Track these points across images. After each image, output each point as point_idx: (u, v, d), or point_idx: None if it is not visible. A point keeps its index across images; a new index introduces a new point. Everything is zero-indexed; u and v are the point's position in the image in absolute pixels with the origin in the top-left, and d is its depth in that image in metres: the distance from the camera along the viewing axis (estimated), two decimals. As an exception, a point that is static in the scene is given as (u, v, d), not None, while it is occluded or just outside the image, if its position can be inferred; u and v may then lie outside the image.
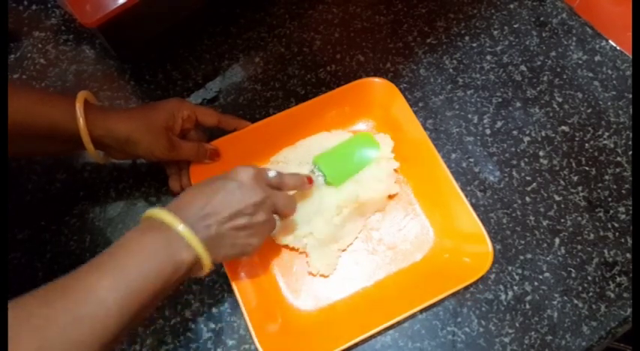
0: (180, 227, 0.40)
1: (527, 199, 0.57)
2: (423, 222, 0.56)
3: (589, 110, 0.61)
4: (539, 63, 0.64)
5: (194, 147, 0.53)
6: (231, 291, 0.52)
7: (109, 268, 0.37)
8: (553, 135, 0.60)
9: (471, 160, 0.59)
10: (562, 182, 0.57)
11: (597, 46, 0.65)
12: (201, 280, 0.53)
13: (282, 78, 0.64)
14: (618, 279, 0.53)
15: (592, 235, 0.55)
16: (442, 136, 0.60)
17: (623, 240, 0.54)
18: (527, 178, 0.58)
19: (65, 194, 0.58)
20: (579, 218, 0.56)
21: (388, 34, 0.66)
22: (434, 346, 0.50)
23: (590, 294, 0.52)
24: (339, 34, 0.67)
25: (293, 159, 0.57)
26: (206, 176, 0.47)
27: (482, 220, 0.51)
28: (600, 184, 0.57)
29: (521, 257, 0.54)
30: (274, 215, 0.48)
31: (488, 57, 0.65)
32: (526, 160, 0.59)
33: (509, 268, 0.53)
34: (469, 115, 0.61)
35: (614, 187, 0.57)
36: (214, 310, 0.52)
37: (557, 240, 0.55)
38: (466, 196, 0.53)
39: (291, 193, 0.51)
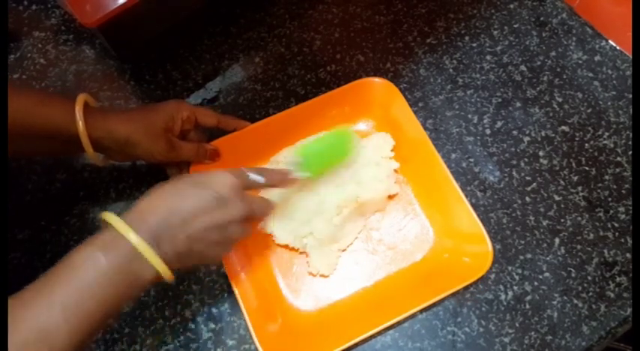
0: (142, 246, 0.36)
1: (527, 199, 0.57)
2: (423, 222, 0.56)
3: (589, 110, 0.61)
4: (539, 63, 0.64)
5: (194, 148, 0.53)
6: (231, 291, 0.52)
7: (57, 297, 0.34)
8: (553, 135, 0.60)
9: (471, 160, 0.59)
10: (562, 182, 0.57)
11: (597, 46, 0.65)
12: (201, 280, 0.54)
13: (282, 78, 0.64)
14: (618, 279, 0.53)
15: (592, 235, 0.55)
16: (442, 136, 0.60)
17: (623, 240, 0.54)
18: (527, 178, 0.58)
19: (65, 194, 0.58)
20: (579, 218, 0.56)
21: (388, 34, 0.66)
22: (434, 346, 0.50)
23: (590, 294, 0.52)
24: (339, 34, 0.67)
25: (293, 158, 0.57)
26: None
27: (482, 220, 0.51)
28: (600, 184, 0.57)
29: (521, 257, 0.54)
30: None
31: (488, 57, 0.65)
32: (526, 160, 0.59)
33: (509, 268, 0.53)
34: (469, 115, 0.61)
35: (614, 187, 0.57)
36: (214, 310, 0.52)
37: (557, 240, 0.55)
38: (466, 196, 0.53)
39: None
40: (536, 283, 0.53)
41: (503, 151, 0.59)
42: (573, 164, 0.58)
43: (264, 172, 0.46)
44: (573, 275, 0.53)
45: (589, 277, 0.53)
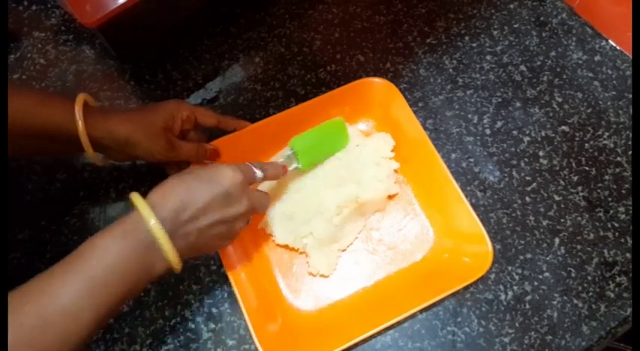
0: (161, 235, 0.38)
1: (527, 199, 0.57)
2: (422, 222, 0.56)
3: (589, 110, 0.61)
4: (539, 63, 0.64)
5: (194, 147, 0.53)
6: (231, 291, 0.52)
7: (77, 277, 0.36)
8: (553, 135, 0.60)
9: (471, 160, 0.59)
10: (562, 182, 0.57)
11: (597, 46, 0.65)
12: (201, 280, 0.54)
13: (282, 78, 0.64)
14: (618, 279, 0.53)
15: (592, 235, 0.55)
16: (442, 136, 0.60)
17: (623, 240, 0.54)
18: (527, 178, 0.58)
19: (65, 194, 0.58)
20: (579, 218, 0.56)
21: (388, 34, 0.66)
22: (434, 346, 0.50)
23: (590, 294, 0.52)
24: (339, 34, 0.67)
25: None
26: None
27: (482, 220, 0.51)
28: (600, 184, 0.57)
29: (521, 257, 0.54)
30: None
31: (488, 57, 0.65)
32: (526, 160, 0.59)
33: (509, 268, 0.53)
34: (469, 115, 0.61)
35: (614, 187, 0.57)
36: (214, 310, 0.52)
37: (557, 240, 0.55)
38: (466, 196, 0.53)
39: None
40: (536, 283, 0.53)
41: (503, 151, 0.59)
42: (573, 164, 0.58)
43: (263, 167, 0.48)
44: (573, 275, 0.53)
45: (589, 277, 0.53)
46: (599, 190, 0.57)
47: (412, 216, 0.56)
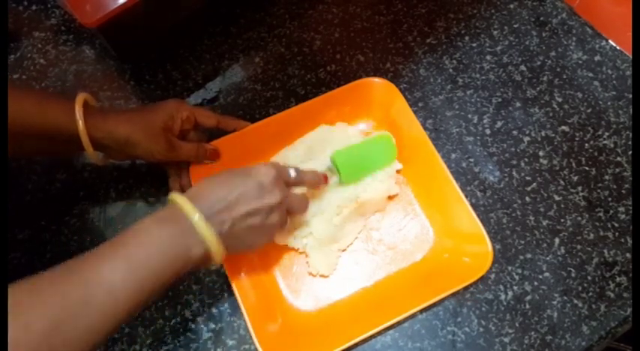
0: (198, 220, 0.40)
1: (527, 199, 0.57)
2: (422, 222, 0.56)
3: (589, 110, 0.61)
4: (539, 63, 0.64)
5: (193, 148, 0.53)
6: (231, 291, 0.52)
7: (120, 256, 0.38)
8: (553, 135, 0.60)
9: (471, 160, 0.59)
10: (562, 182, 0.57)
11: (597, 46, 0.65)
12: (201, 280, 0.54)
13: (282, 78, 0.64)
14: (618, 279, 0.53)
15: (592, 235, 0.55)
16: (442, 136, 0.60)
17: (623, 240, 0.54)
18: (527, 178, 0.58)
19: (65, 194, 0.58)
20: (579, 218, 0.56)
21: (388, 34, 0.66)
22: (434, 346, 0.50)
23: (590, 294, 0.52)
24: (339, 34, 0.67)
25: (293, 158, 0.57)
26: (206, 176, 0.47)
27: (482, 220, 0.51)
28: (600, 184, 0.57)
29: (521, 257, 0.54)
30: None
31: (488, 57, 0.65)
32: (526, 160, 0.59)
33: (509, 268, 0.53)
34: (469, 115, 0.61)
35: (614, 187, 0.57)
36: (214, 310, 0.52)
37: (557, 240, 0.55)
38: (466, 196, 0.53)
39: (301, 190, 0.51)
40: (536, 283, 0.53)
41: (503, 151, 0.59)
42: (573, 164, 0.58)
43: (299, 170, 0.49)
44: (573, 275, 0.53)
45: (589, 277, 0.53)
46: (599, 190, 0.57)
47: (412, 216, 0.56)
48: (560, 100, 0.62)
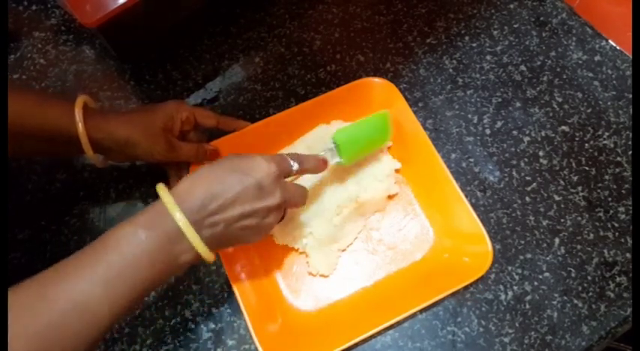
0: (184, 224, 0.38)
1: (527, 199, 0.57)
2: (422, 222, 0.56)
3: (589, 110, 0.61)
4: (539, 63, 0.64)
5: (193, 148, 0.53)
6: (231, 291, 0.52)
7: (100, 269, 0.36)
8: (553, 135, 0.60)
9: (471, 160, 0.59)
10: (562, 182, 0.57)
11: (597, 46, 0.65)
12: (201, 280, 0.54)
13: (282, 78, 0.64)
14: (618, 279, 0.53)
15: (592, 235, 0.55)
16: (442, 136, 0.60)
17: (623, 240, 0.54)
18: (527, 178, 0.58)
19: (65, 194, 0.58)
20: (579, 218, 0.56)
21: (388, 34, 0.66)
22: (434, 346, 0.50)
23: (590, 294, 0.52)
24: (339, 34, 0.67)
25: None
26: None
27: (482, 220, 0.51)
28: (600, 184, 0.57)
29: (521, 257, 0.54)
30: None
31: (488, 57, 0.65)
32: (526, 160, 0.59)
33: (509, 268, 0.53)
34: (469, 115, 0.61)
35: (614, 187, 0.57)
36: (214, 310, 0.52)
37: (557, 240, 0.55)
38: (466, 196, 0.53)
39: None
40: (536, 283, 0.53)
41: (503, 151, 0.59)
42: (573, 164, 0.58)
43: (300, 159, 0.46)
44: (573, 275, 0.53)
45: (589, 277, 0.53)
46: (599, 190, 0.57)
47: (412, 216, 0.56)
48: (560, 100, 0.62)
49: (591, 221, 0.55)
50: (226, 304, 0.53)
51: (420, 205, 0.57)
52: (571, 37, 0.66)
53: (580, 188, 0.57)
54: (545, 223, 0.55)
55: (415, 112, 0.57)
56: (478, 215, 0.52)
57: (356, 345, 0.49)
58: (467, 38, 0.66)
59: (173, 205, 0.38)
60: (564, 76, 0.63)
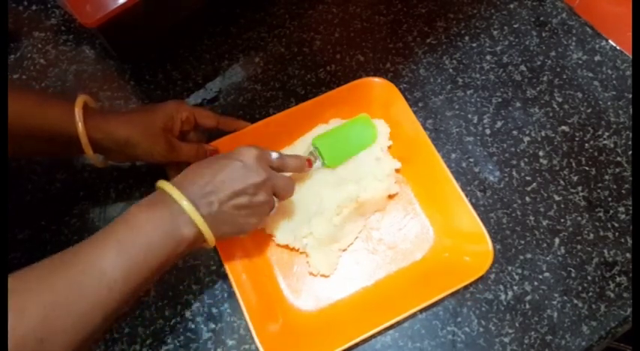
0: (185, 203, 0.41)
1: (527, 199, 0.57)
2: (423, 221, 0.56)
3: (589, 110, 0.61)
4: (539, 63, 0.64)
5: (193, 148, 0.53)
6: (231, 291, 0.52)
7: (111, 242, 0.39)
8: (553, 135, 0.60)
9: (471, 160, 0.59)
10: (562, 182, 0.57)
11: (597, 46, 0.65)
12: (201, 280, 0.54)
13: (282, 78, 0.64)
14: (618, 279, 0.53)
15: (592, 235, 0.55)
16: (442, 136, 0.60)
17: (623, 240, 0.54)
18: (527, 178, 0.58)
19: (65, 194, 0.58)
20: (579, 218, 0.56)
21: (388, 34, 0.66)
22: (434, 346, 0.50)
23: (590, 294, 0.52)
24: (339, 34, 0.67)
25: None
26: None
27: (482, 220, 0.51)
28: (600, 184, 0.57)
29: (521, 257, 0.54)
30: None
31: (488, 57, 0.65)
32: (526, 160, 0.59)
33: (509, 268, 0.53)
34: (469, 115, 0.61)
35: (614, 187, 0.57)
36: (214, 310, 0.52)
37: (557, 240, 0.55)
38: (466, 195, 0.53)
39: (289, 175, 0.51)
40: (536, 283, 0.53)
41: (503, 151, 0.59)
42: (573, 164, 0.58)
43: (281, 155, 0.49)
44: (573, 275, 0.53)
45: (589, 277, 0.53)
46: (599, 190, 0.57)
47: (412, 215, 0.56)
48: (560, 100, 0.62)
49: (591, 221, 0.55)
50: (226, 304, 0.53)
51: (420, 204, 0.57)
52: (571, 37, 0.66)
53: (580, 188, 0.57)
54: (545, 223, 0.55)
55: (415, 112, 0.57)
56: (478, 215, 0.52)
57: (356, 345, 0.49)
58: (467, 38, 0.66)
59: (171, 187, 0.42)
60: (564, 76, 0.63)
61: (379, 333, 0.50)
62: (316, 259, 0.53)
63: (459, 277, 0.50)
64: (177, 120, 0.52)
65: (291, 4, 0.69)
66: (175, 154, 0.52)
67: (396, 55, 0.65)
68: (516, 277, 0.53)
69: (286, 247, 0.55)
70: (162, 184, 0.43)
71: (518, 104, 0.62)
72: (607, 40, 0.65)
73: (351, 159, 0.57)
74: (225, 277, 0.52)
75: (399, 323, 0.51)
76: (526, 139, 0.60)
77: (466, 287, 0.52)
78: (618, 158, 0.58)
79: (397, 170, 0.58)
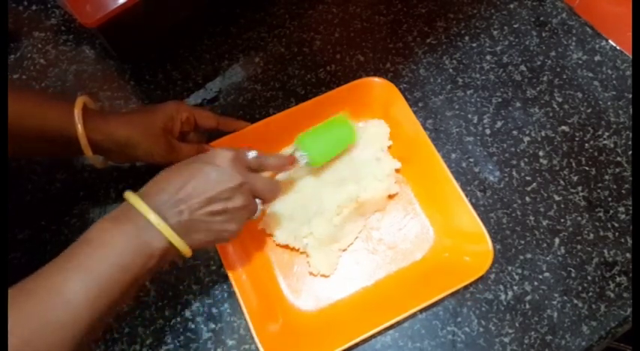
0: (151, 216, 0.39)
1: (527, 199, 0.57)
2: (423, 221, 0.56)
3: (589, 110, 0.61)
4: (539, 63, 0.64)
5: (193, 149, 0.53)
6: (231, 291, 0.52)
7: (74, 266, 0.36)
8: (553, 135, 0.60)
9: (471, 160, 0.59)
10: (562, 182, 0.57)
11: (597, 46, 0.65)
12: (201, 280, 0.54)
13: (282, 78, 0.64)
14: (618, 279, 0.53)
15: (592, 235, 0.55)
16: (442, 136, 0.60)
17: (623, 240, 0.54)
18: (527, 178, 0.58)
19: (65, 194, 0.58)
20: (579, 218, 0.56)
21: (388, 34, 0.66)
22: (434, 346, 0.50)
23: (590, 294, 0.52)
24: (339, 34, 0.67)
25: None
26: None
27: (482, 220, 0.51)
28: (600, 184, 0.57)
29: (521, 257, 0.54)
30: (257, 200, 0.46)
31: (488, 57, 0.65)
32: (526, 160, 0.59)
33: (509, 268, 0.53)
34: (469, 115, 0.61)
35: (614, 187, 0.57)
36: (214, 310, 0.52)
37: (557, 240, 0.55)
38: (466, 195, 0.53)
39: (273, 175, 0.50)
40: (536, 283, 0.53)
41: (503, 151, 0.59)
42: (573, 164, 0.58)
43: (260, 155, 0.47)
44: (573, 275, 0.53)
45: (589, 277, 0.53)
46: (599, 190, 0.57)
47: (412, 215, 0.56)
48: (560, 100, 0.62)
49: (591, 221, 0.55)
50: (226, 304, 0.53)
51: (420, 204, 0.57)
52: (571, 37, 0.66)
53: (580, 188, 0.57)
54: (545, 223, 0.55)
55: (415, 112, 0.57)
56: (478, 215, 0.52)
57: (356, 345, 0.49)
58: (467, 38, 0.66)
59: (136, 198, 0.40)
60: (564, 76, 0.63)
61: (379, 333, 0.50)
62: (316, 259, 0.53)
63: (459, 277, 0.50)
64: (177, 121, 0.52)
65: (291, 4, 0.69)
66: (175, 154, 0.52)
67: (396, 55, 0.65)
68: (516, 277, 0.53)
69: (286, 247, 0.55)
70: (127, 195, 0.41)
71: (518, 104, 0.62)
72: (607, 40, 0.65)
73: (351, 159, 0.57)
74: (225, 277, 0.52)
75: (399, 323, 0.51)
76: (526, 139, 0.60)
77: (466, 287, 0.52)
78: (618, 158, 0.58)
79: (397, 170, 0.58)
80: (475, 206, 0.55)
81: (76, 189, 0.58)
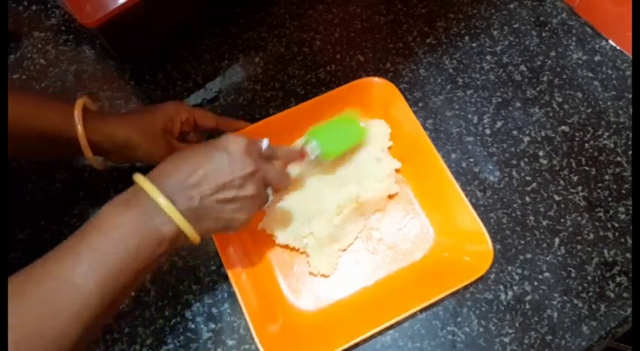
0: (161, 200, 0.38)
1: (527, 199, 0.57)
2: (423, 221, 0.56)
3: (589, 110, 0.61)
4: (539, 63, 0.64)
5: None
6: (231, 291, 0.52)
7: (84, 251, 0.36)
8: (553, 135, 0.60)
9: (471, 160, 0.59)
10: (562, 182, 0.57)
11: (597, 46, 0.65)
12: (201, 280, 0.54)
13: (282, 78, 0.64)
14: (618, 279, 0.53)
15: (592, 235, 0.55)
16: (442, 136, 0.60)
17: (623, 240, 0.54)
18: (527, 178, 0.58)
19: (65, 194, 0.58)
20: (579, 218, 0.56)
21: (388, 34, 0.66)
22: (434, 346, 0.50)
23: (590, 294, 0.52)
24: (339, 34, 0.67)
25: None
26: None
27: (482, 220, 0.51)
28: (600, 184, 0.57)
29: (521, 257, 0.54)
30: (268, 190, 0.46)
31: (488, 57, 0.65)
32: (526, 160, 0.59)
33: (509, 267, 0.53)
34: (469, 115, 0.61)
35: (614, 187, 0.57)
36: (214, 310, 0.52)
37: (557, 240, 0.55)
38: (466, 195, 0.53)
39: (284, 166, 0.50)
40: (536, 283, 0.53)
41: (503, 151, 0.59)
42: (573, 164, 0.58)
43: (277, 148, 0.46)
44: (573, 275, 0.53)
45: (589, 277, 0.53)
46: (599, 190, 0.57)
47: (412, 215, 0.56)
48: (560, 100, 0.62)
49: (591, 221, 0.55)
50: (226, 304, 0.53)
51: (420, 204, 0.57)
52: (571, 37, 0.66)
53: (580, 188, 0.57)
54: (545, 223, 0.55)
55: (415, 112, 0.57)
56: (478, 215, 0.52)
57: (356, 345, 0.49)
58: (467, 38, 0.66)
59: (146, 181, 0.39)
60: (564, 76, 0.63)
61: (379, 333, 0.50)
62: (316, 259, 0.53)
63: (459, 277, 0.50)
64: (176, 121, 0.52)
65: (291, 4, 0.69)
66: (175, 155, 0.52)
67: (396, 55, 0.65)
68: (516, 277, 0.53)
69: (286, 247, 0.55)
70: (137, 177, 0.39)
71: (518, 104, 0.62)
72: (607, 40, 0.65)
73: (351, 159, 0.57)
74: (225, 277, 0.52)
75: (399, 323, 0.51)
76: (526, 139, 0.60)
77: (466, 287, 0.52)
78: (618, 158, 0.58)
79: (397, 170, 0.58)
80: (475, 206, 0.55)
81: (76, 189, 0.58)
